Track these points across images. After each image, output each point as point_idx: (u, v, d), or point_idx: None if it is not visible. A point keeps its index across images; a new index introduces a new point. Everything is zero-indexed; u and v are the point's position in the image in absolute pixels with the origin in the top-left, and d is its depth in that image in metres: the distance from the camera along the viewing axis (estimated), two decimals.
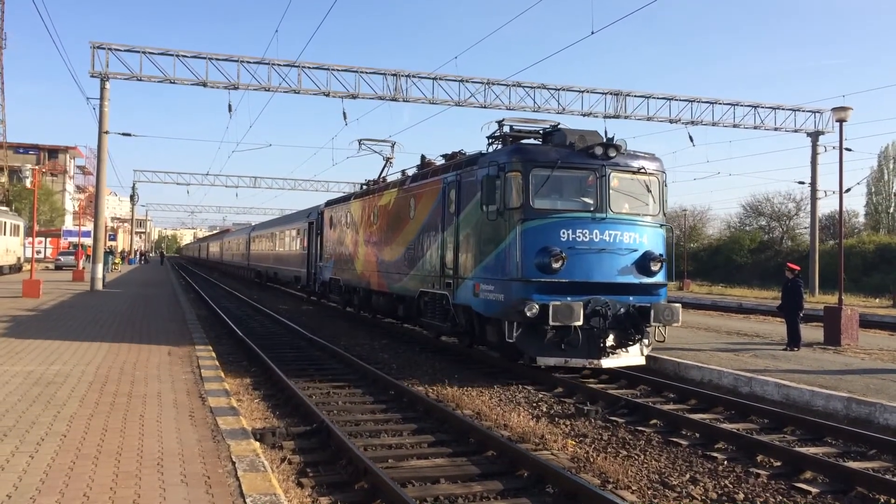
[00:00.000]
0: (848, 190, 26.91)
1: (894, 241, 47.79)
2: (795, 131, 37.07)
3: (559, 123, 13.15)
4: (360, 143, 20.65)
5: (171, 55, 28.27)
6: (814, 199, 39.39)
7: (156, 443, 6.25)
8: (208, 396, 8.27)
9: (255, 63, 29.11)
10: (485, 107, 31.35)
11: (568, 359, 10.92)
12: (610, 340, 11.01)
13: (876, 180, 58.65)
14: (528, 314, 10.38)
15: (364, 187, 20.62)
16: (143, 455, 5.86)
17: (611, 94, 32.96)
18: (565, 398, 10.25)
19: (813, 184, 38.88)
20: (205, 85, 28.68)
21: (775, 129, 36.46)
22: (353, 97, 30.06)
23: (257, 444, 6.48)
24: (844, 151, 16.87)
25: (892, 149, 58.02)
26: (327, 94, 29.79)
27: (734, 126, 35.37)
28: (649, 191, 11.70)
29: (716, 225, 67.31)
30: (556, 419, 8.91)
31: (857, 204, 78.84)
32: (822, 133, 37.65)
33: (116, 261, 51.35)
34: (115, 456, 5.82)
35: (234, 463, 5.70)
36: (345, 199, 21.88)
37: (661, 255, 11.40)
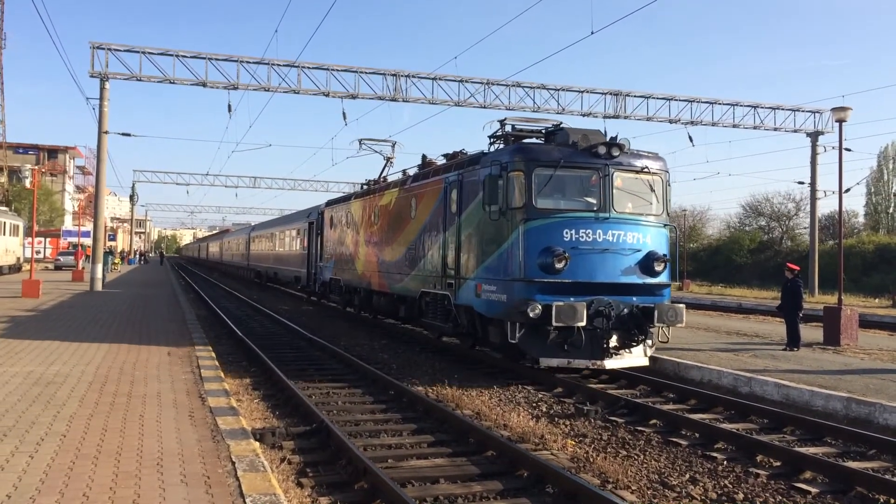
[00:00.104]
0: (847, 190, 26.94)
1: (894, 241, 47.80)
2: (795, 131, 37.08)
3: (561, 123, 13.11)
4: (360, 143, 20.64)
5: (171, 55, 28.27)
6: (813, 199, 39.40)
7: (155, 443, 6.25)
8: (208, 396, 8.27)
9: (254, 63, 29.12)
10: (484, 107, 31.39)
11: (571, 360, 10.86)
12: (613, 341, 10.94)
13: (875, 180, 58.69)
14: (531, 315, 10.32)
15: (365, 187, 20.59)
16: (143, 455, 5.86)
17: (610, 94, 32.97)
18: (565, 398, 10.25)
19: (812, 184, 38.89)
20: (204, 85, 28.68)
21: (775, 130, 36.48)
22: (353, 97, 30.07)
23: (257, 444, 6.48)
24: (844, 151, 16.89)
25: (891, 149, 58.08)
26: (327, 95, 29.79)
27: (734, 126, 35.39)
28: (653, 190, 11.62)
29: (715, 225, 67.43)
30: (556, 419, 8.92)
31: (856, 204, 78.98)
32: (822, 133, 37.66)
33: (116, 261, 51.33)
34: (115, 456, 5.82)
35: (233, 463, 5.69)
36: (345, 199, 21.85)
37: (664, 255, 11.30)
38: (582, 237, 10.78)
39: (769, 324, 20.28)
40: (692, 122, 34.42)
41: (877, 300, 34.25)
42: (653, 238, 11.32)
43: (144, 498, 4.87)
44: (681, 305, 11.26)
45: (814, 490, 6.37)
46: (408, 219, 15.37)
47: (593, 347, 10.81)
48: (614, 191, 11.11)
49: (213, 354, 11.68)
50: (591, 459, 7.11)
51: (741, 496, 6.23)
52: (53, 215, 67.89)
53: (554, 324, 10.28)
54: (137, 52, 27.87)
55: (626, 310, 10.84)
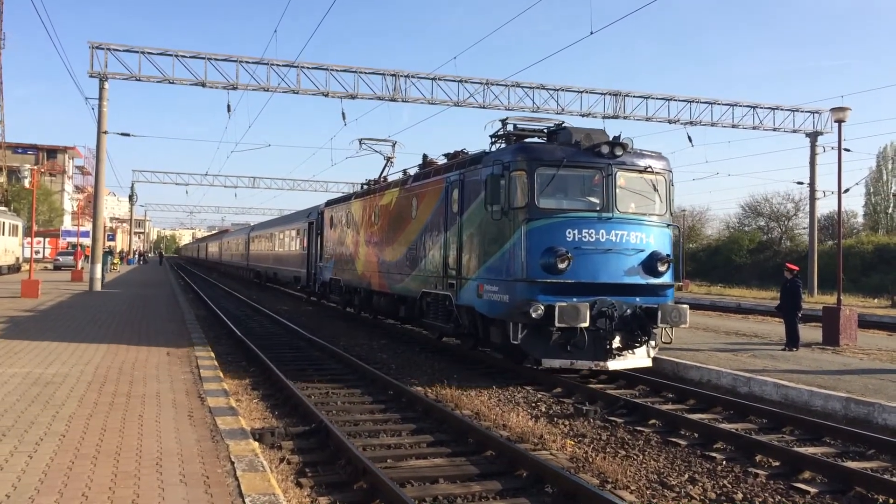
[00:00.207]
0: (847, 190, 26.90)
1: (893, 241, 47.78)
2: (794, 132, 37.09)
3: (563, 122, 13.07)
4: (360, 143, 20.61)
5: (170, 55, 28.26)
6: (812, 199, 39.41)
7: (155, 443, 6.24)
8: (207, 396, 8.27)
9: (253, 63, 29.11)
10: (484, 107, 31.39)
11: (574, 360, 10.78)
12: (616, 342, 10.85)
13: (875, 181, 58.69)
14: (534, 315, 10.25)
15: (365, 187, 20.56)
16: (142, 455, 5.86)
17: (610, 94, 32.97)
18: (564, 398, 10.25)
19: (812, 184, 38.89)
20: (204, 85, 28.67)
21: (774, 130, 36.48)
22: (352, 97, 30.06)
23: (256, 444, 6.48)
24: (843, 152, 16.89)
25: (890, 149, 58.11)
26: (326, 95, 29.79)
27: (733, 126, 35.39)
28: (656, 190, 11.55)
29: (714, 225, 67.40)
30: (555, 419, 8.92)
31: (855, 204, 79.06)
32: (821, 133, 37.65)
33: (115, 261, 51.31)
34: (114, 456, 5.82)
35: (232, 463, 5.69)
36: (345, 199, 21.83)
37: (668, 255, 11.22)
38: (585, 237, 10.71)
39: (768, 324, 20.29)
40: (691, 123, 34.42)
41: (876, 300, 34.26)
42: (656, 238, 11.25)
43: (143, 498, 4.86)
44: (684, 306, 11.19)
45: (813, 490, 6.38)
46: (409, 219, 15.35)
47: (596, 348, 10.73)
48: (617, 190, 11.04)
49: (213, 354, 11.67)
50: (591, 459, 7.11)
51: (740, 496, 6.23)
52: (52, 215, 67.90)
53: (557, 324, 10.21)
54: (137, 52, 27.86)
55: (629, 310, 10.77)
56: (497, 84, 31.25)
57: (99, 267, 27.68)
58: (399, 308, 16.33)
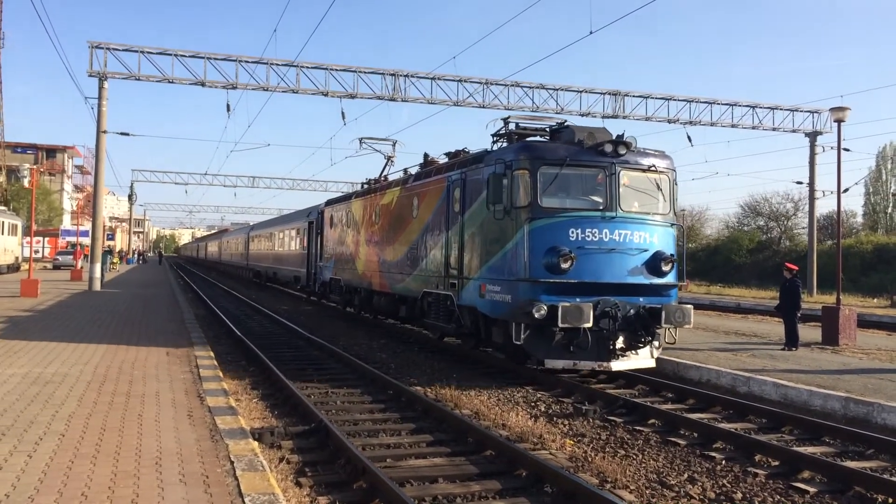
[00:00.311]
0: (846, 190, 26.86)
1: (892, 241, 47.79)
2: (794, 131, 37.09)
3: (566, 121, 13.02)
4: (361, 142, 20.60)
5: (170, 55, 28.24)
6: (812, 199, 39.42)
7: (154, 442, 6.24)
8: (207, 396, 8.27)
9: (253, 63, 29.11)
10: (483, 107, 31.39)
11: (577, 361, 10.71)
12: (620, 342, 10.74)
13: (874, 180, 58.74)
14: (536, 315, 10.17)
15: (365, 186, 20.54)
16: (142, 454, 5.86)
17: (609, 94, 32.98)
18: (564, 398, 10.24)
19: (811, 184, 38.90)
20: (203, 84, 28.67)
21: (773, 130, 36.48)
22: (352, 97, 30.07)
23: (256, 443, 6.48)
24: (842, 151, 16.90)
25: (889, 149, 58.17)
26: (326, 94, 29.79)
27: (732, 126, 35.39)
28: (660, 189, 11.47)
29: (714, 225, 67.37)
30: (555, 419, 8.92)
31: (855, 204, 79.07)
32: (821, 133, 37.66)
33: (114, 260, 51.32)
34: (114, 455, 5.82)
35: (232, 462, 5.69)
36: (346, 199, 21.81)
37: (671, 255, 11.14)
38: (588, 237, 10.63)
39: (767, 323, 20.29)
40: (691, 122, 34.42)
41: (875, 300, 34.26)
42: (660, 237, 11.17)
43: (143, 497, 4.86)
44: (688, 306, 11.12)
45: (812, 489, 6.38)
46: (409, 218, 15.33)
47: (599, 349, 10.65)
48: (621, 189, 10.95)
49: (212, 354, 11.67)
50: (590, 459, 7.11)
51: (740, 496, 6.23)
52: (52, 215, 67.92)
53: (560, 325, 10.15)
54: (136, 51, 27.86)
55: (632, 311, 10.69)
56: (497, 84, 31.27)
57: (98, 266, 27.67)
58: (400, 308, 16.30)
